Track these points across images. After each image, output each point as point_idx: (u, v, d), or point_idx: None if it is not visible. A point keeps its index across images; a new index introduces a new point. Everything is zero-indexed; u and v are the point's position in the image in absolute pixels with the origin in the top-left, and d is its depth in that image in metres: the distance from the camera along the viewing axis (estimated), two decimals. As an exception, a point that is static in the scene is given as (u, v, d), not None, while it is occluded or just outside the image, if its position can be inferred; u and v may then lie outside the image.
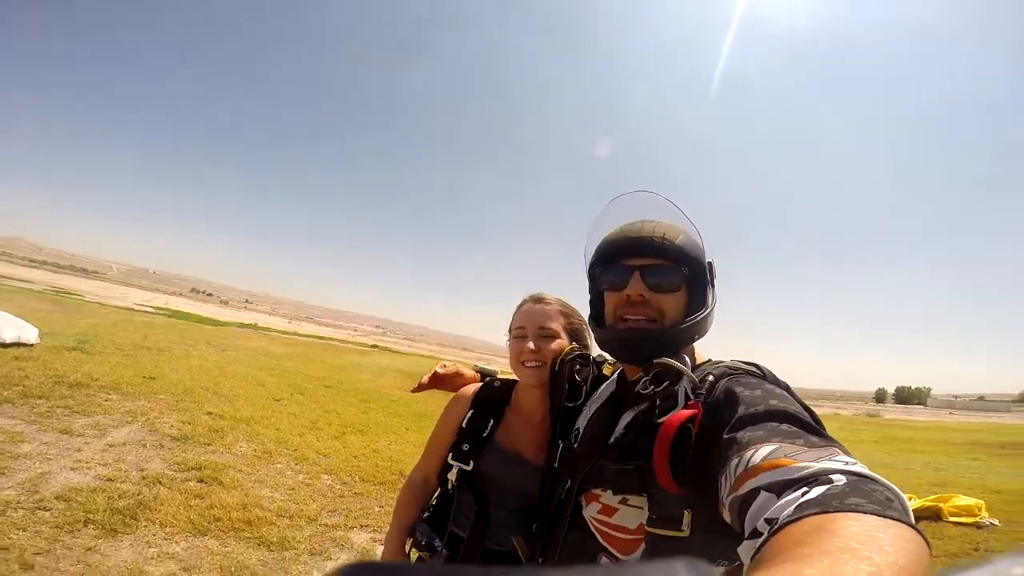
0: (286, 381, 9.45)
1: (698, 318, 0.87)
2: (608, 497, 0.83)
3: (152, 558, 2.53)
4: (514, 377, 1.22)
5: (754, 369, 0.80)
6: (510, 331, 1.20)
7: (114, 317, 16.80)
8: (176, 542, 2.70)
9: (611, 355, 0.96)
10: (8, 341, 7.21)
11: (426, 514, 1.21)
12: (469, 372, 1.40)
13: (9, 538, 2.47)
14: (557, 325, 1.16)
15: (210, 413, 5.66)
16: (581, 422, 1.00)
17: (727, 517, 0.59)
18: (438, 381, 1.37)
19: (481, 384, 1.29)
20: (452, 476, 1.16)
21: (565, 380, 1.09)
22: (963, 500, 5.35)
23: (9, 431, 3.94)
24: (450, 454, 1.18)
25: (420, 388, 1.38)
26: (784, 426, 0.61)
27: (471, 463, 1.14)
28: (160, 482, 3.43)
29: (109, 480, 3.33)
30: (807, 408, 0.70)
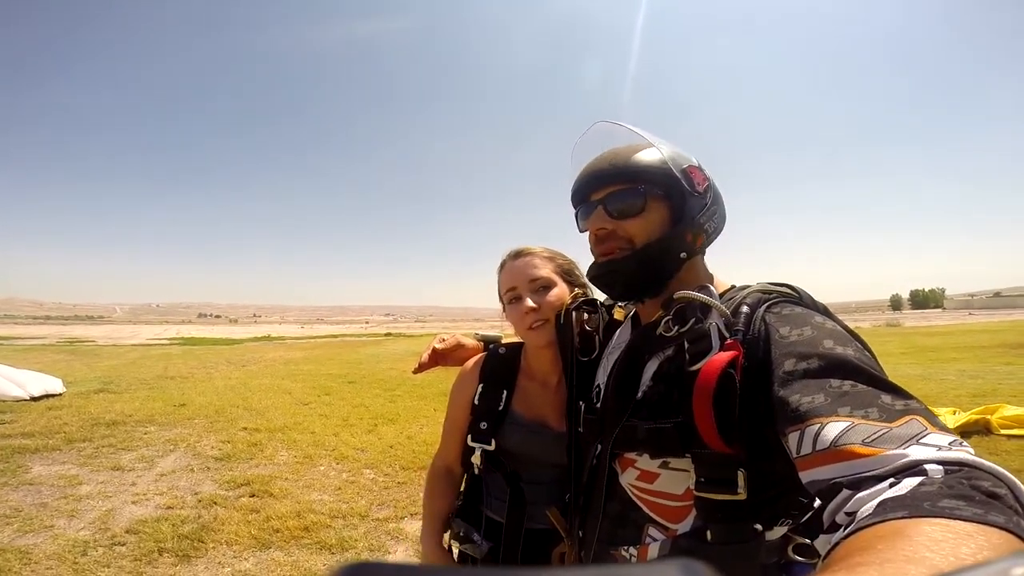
0: (310, 384, 9.60)
1: (677, 230, 0.76)
2: (645, 461, 0.73)
3: (229, 577, 2.69)
4: (518, 339, 1.12)
5: (790, 292, 0.71)
6: (501, 298, 1.09)
7: (131, 355, 17.07)
8: (245, 558, 2.83)
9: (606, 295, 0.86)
10: (37, 394, 7.41)
11: (458, 503, 1.12)
12: (471, 342, 1.28)
13: (98, 576, 2.64)
14: (547, 272, 1.04)
15: (245, 428, 5.81)
16: (601, 377, 0.88)
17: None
18: (439, 357, 1.26)
19: (485, 354, 1.18)
20: (476, 459, 1.06)
21: (574, 332, 0.97)
22: (1011, 410, 4.93)
23: (65, 475, 4.14)
24: (469, 436, 1.08)
25: (421, 368, 1.26)
26: (847, 385, 0.53)
27: (493, 442, 1.05)
28: (216, 503, 3.58)
29: (169, 508, 3.49)
30: (860, 341, 0.61)
